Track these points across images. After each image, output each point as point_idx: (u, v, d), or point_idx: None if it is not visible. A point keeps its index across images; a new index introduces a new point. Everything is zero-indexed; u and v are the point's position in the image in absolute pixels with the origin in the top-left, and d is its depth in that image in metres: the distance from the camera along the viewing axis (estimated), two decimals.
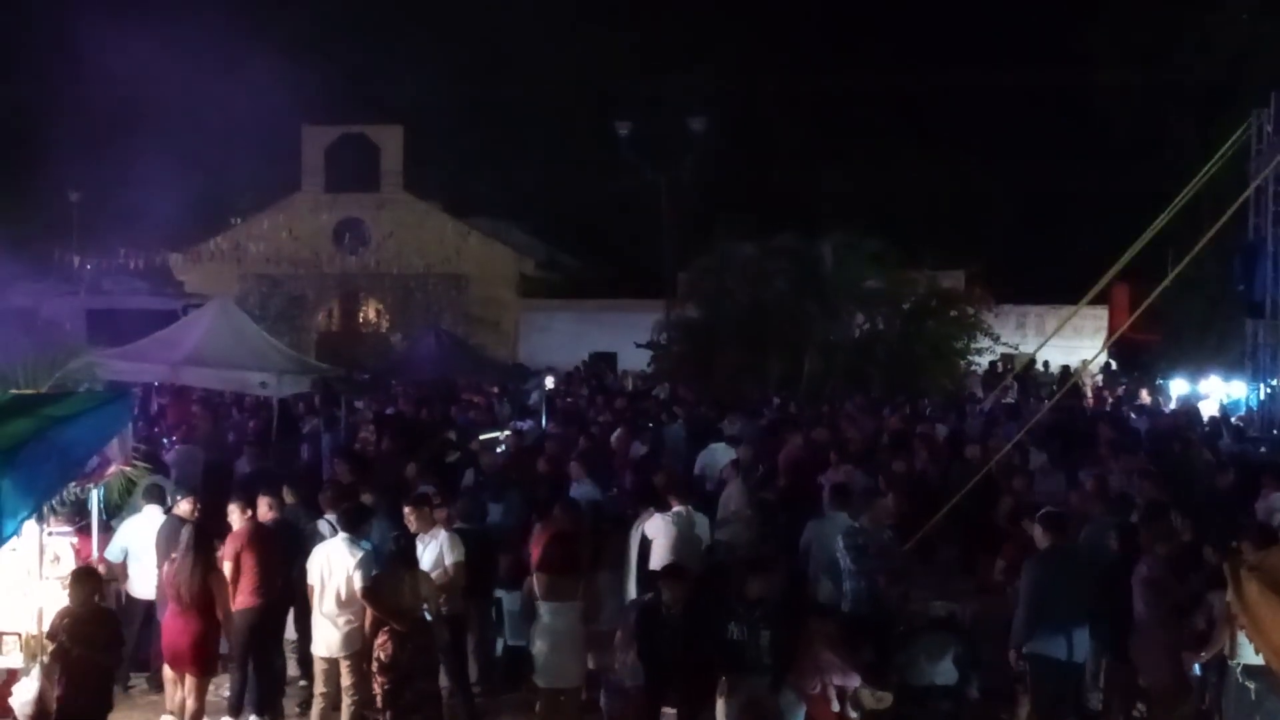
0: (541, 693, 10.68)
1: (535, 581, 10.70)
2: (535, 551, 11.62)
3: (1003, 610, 11.83)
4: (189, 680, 10.99)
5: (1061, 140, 46.04)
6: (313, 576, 10.95)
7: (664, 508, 13.10)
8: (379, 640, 10.47)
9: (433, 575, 11.02)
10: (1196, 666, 9.46)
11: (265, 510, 12.11)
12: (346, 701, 10.83)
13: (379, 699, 10.47)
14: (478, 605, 12.17)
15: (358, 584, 10.73)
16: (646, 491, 14.16)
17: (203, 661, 10.96)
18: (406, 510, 11.65)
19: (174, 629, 10.99)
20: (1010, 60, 45.15)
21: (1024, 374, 30.96)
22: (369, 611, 10.63)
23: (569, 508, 12.64)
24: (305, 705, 11.67)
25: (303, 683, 12.12)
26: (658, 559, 12.53)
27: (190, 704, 11.02)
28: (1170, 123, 36.56)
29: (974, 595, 12.81)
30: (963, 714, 10.83)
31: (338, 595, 10.83)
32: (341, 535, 11.09)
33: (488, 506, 13.57)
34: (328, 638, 10.93)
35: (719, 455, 17.55)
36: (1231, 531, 10.30)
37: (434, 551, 11.32)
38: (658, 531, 12.89)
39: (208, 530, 11.42)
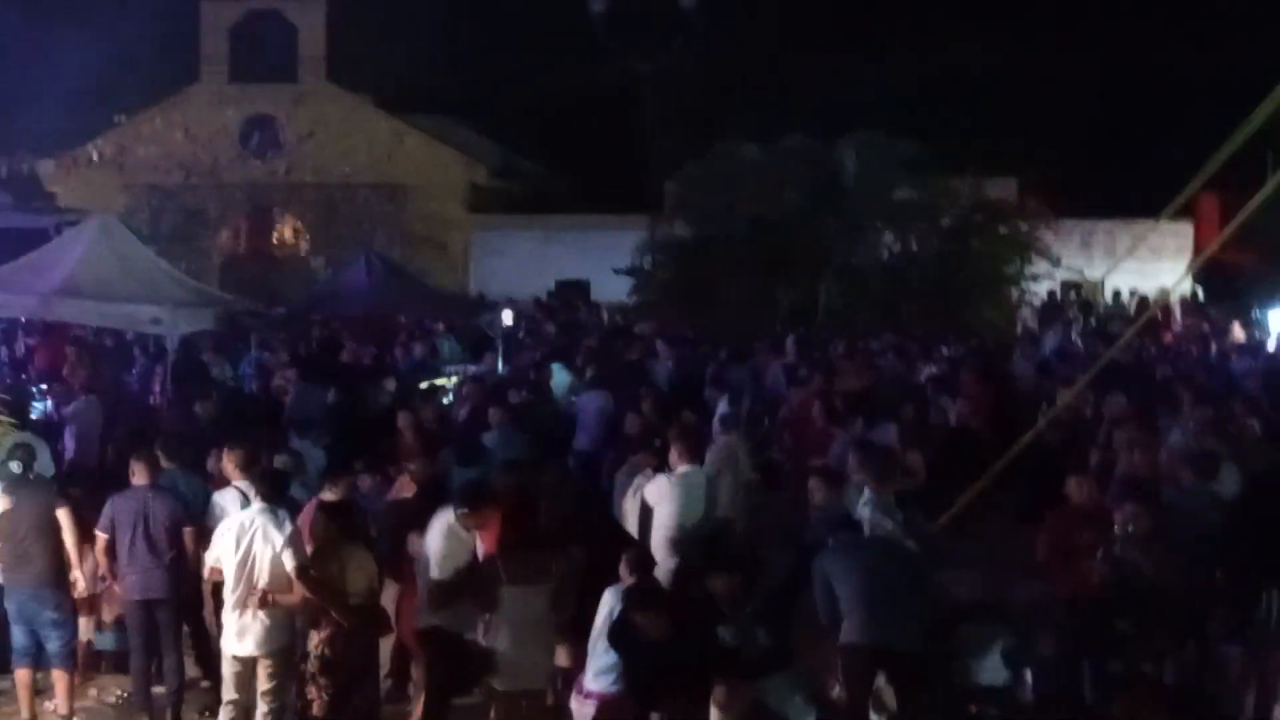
0: (498, 696, 10.60)
1: (497, 561, 10.45)
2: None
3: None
4: None
5: (1135, 24, 45.86)
6: (222, 558, 10.70)
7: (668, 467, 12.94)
8: (323, 634, 10.32)
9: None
10: None
11: (140, 476, 11.92)
12: (263, 709, 10.59)
13: (316, 706, 10.31)
14: None
15: (289, 565, 10.41)
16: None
17: None
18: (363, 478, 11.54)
19: None
20: None
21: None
22: (303, 599, 10.45)
23: (512, 469, 12.51)
24: (207, 711, 11.63)
25: (205, 684, 12.06)
26: (660, 530, 12.47)
27: None
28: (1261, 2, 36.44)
29: (1027, 577, 12.80)
30: None
31: (254, 581, 10.54)
32: (258, 505, 10.75)
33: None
34: (245, 633, 10.62)
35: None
36: None
37: None
38: (661, 497, 12.68)
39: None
